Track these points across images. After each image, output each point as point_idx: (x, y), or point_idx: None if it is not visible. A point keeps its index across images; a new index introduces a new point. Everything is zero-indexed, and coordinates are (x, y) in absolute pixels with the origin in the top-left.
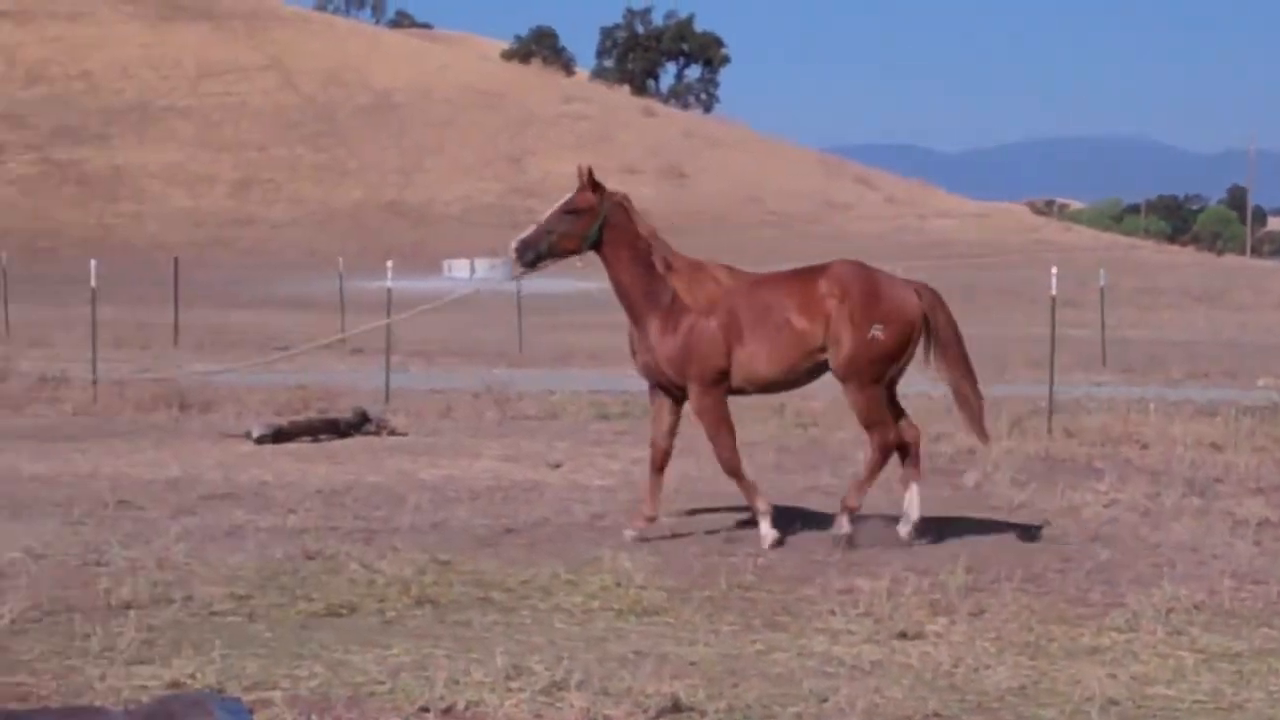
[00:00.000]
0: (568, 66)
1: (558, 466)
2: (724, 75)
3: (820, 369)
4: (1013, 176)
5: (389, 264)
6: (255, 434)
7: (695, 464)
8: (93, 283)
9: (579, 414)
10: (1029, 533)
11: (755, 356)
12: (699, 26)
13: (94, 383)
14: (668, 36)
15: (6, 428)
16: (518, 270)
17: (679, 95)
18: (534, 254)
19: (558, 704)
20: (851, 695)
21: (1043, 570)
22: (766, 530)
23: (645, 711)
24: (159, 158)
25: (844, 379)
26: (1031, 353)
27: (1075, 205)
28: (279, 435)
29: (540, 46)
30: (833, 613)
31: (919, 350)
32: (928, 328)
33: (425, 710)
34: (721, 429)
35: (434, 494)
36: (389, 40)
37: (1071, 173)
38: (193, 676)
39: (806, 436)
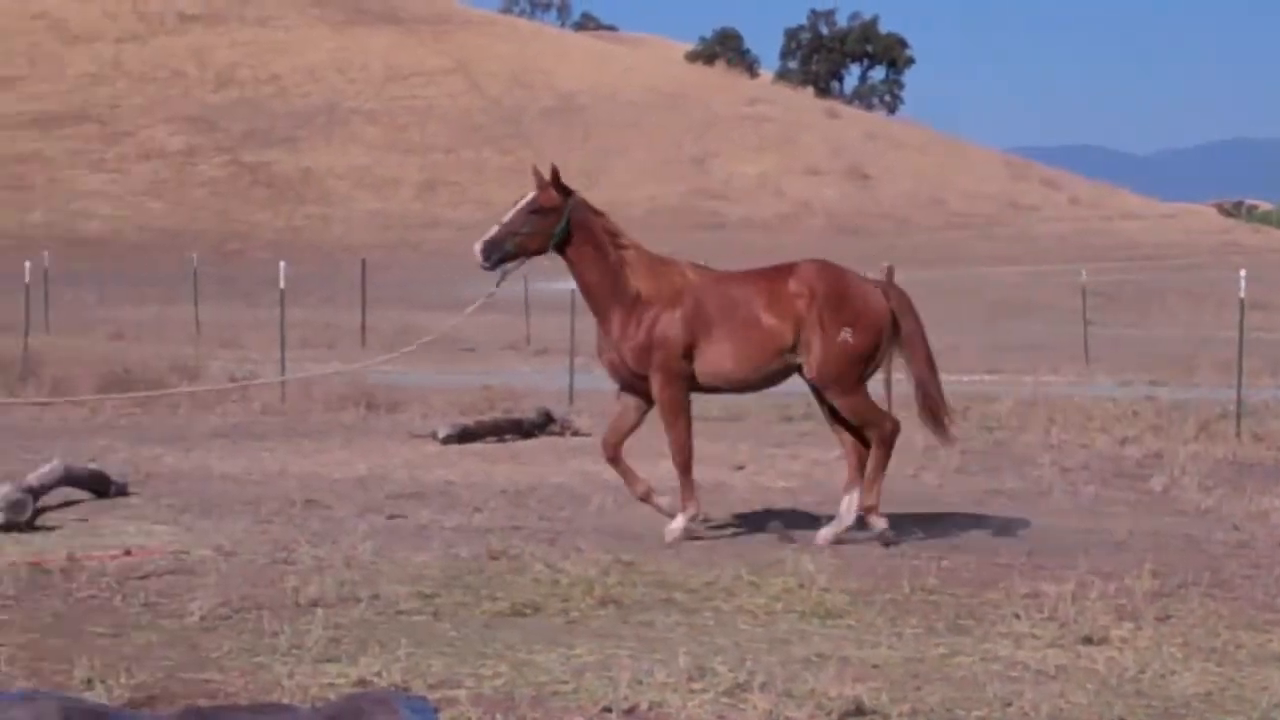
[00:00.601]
0: (752, 68)
1: (741, 468)
2: (907, 76)
3: (789, 371)
4: (1201, 178)
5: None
6: (441, 434)
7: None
8: (281, 284)
9: (762, 416)
10: (1216, 538)
11: (722, 353)
12: (883, 28)
13: (283, 383)
14: (852, 38)
15: (198, 427)
16: (482, 269)
17: (863, 97)
18: (499, 254)
19: (740, 705)
20: (1035, 700)
21: (1230, 576)
22: (678, 524)
23: (828, 714)
24: (346, 160)
25: (823, 386)
26: (1219, 356)
27: (1265, 207)
28: (464, 435)
29: (724, 48)
30: (1017, 617)
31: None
32: (895, 328)
33: (608, 710)
34: (679, 422)
35: (617, 495)
36: (574, 43)
37: (1263, 174)
38: (379, 674)
39: (991, 439)
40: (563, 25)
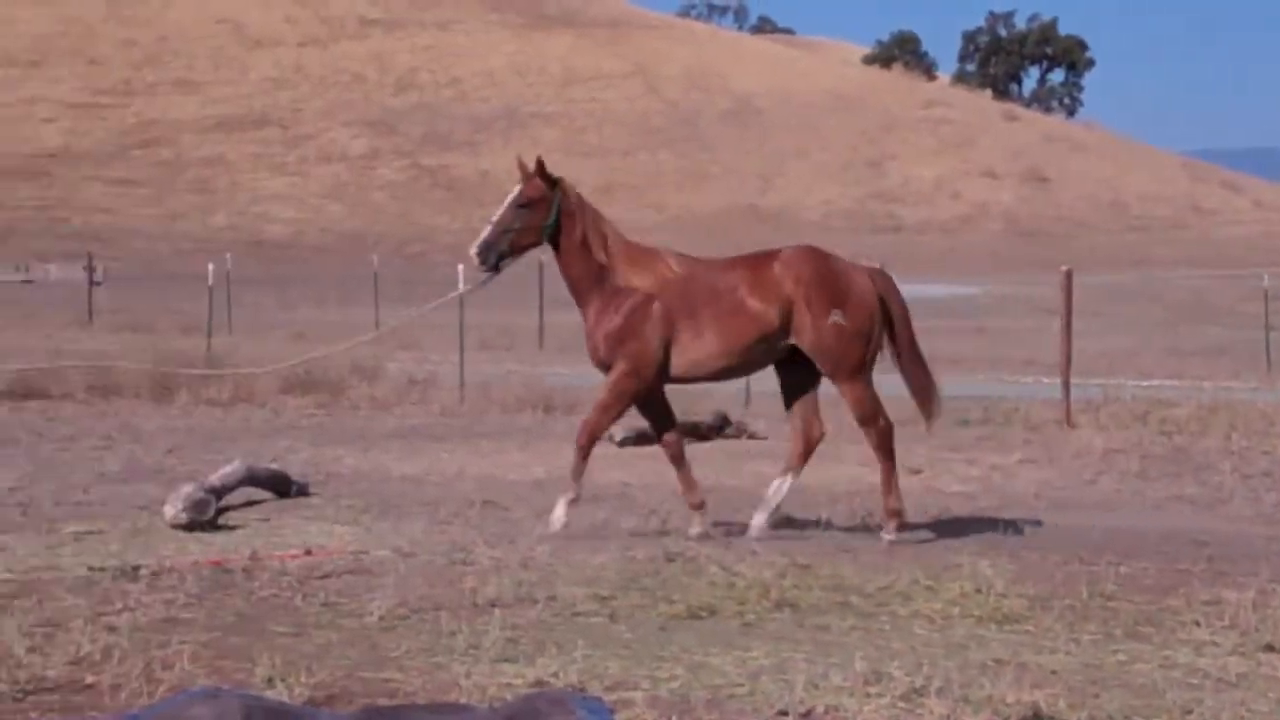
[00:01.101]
0: (929, 71)
1: (917, 472)
2: (1087, 78)
3: (770, 357)
4: None
5: None
6: (618, 437)
7: (1055, 473)
8: (460, 286)
9: (938, 419)
10: None
11: (705, 341)
12: (1062, 29)
13: (461, 384)
14: (1030, 40)
15: (377, 428)
16: (483, 274)
17: (1041, 99)
18: (496, 255)
19: (917, 710)
20: (1216, 708)
21: None
22: (560, 514)
23: None
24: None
25: (829, 374)
26: None
27: None
28: (641, 438)
29: (902, 51)
30: (1197, 624)
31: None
32: (885, 312)
33: (784, 714)
34: (613, 410)
35: (793, 498)
36: (750, 46)
37: None
38: (555, 675)
39: (1171, 444)
40: (740, 28)
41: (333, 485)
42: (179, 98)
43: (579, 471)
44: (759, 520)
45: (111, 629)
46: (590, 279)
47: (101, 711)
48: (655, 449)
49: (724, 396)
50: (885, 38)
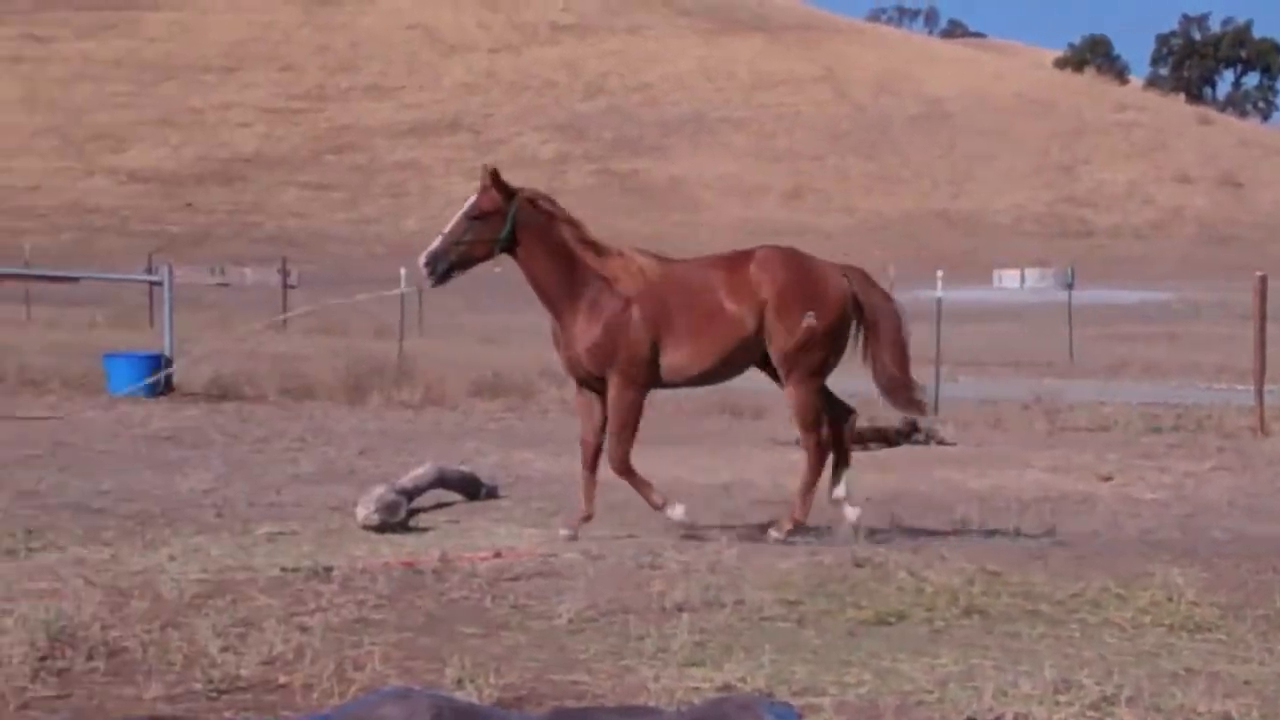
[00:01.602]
0: (1121, 74)
1: (1108, 479)
2: None
3: (751, 360)
4: None
5: (939, 273)
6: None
7: (1248, 480)
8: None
9: (1130, 426)
10: None
11: (686, 346)
12: (1257, 32)
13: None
14: (1225, 43)
15: (566, 431)
16: (429, 284)
17: (1235, 103)
18: (445, 265)
19: (1107, 719)
20: None
21: None
22: (677, 513)
23: None
24: (714, 168)
25: (784, 373)
26: None
27: None
28: None
29: (1094, 55)
30: None
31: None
32: (859, 311)
33: None
34: (628, 428)
35: (982, 504)
36: (941, 50)
37: None
38: (743, 680)
39: None
40: (930, 32)
41: (522, 487)
42: (372, 103)
43: (650, 497)
44: (852, 516)
45: (304, 629)
46: (560, 285)
47: (294, 711)
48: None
49: None
50: (1077, 41)
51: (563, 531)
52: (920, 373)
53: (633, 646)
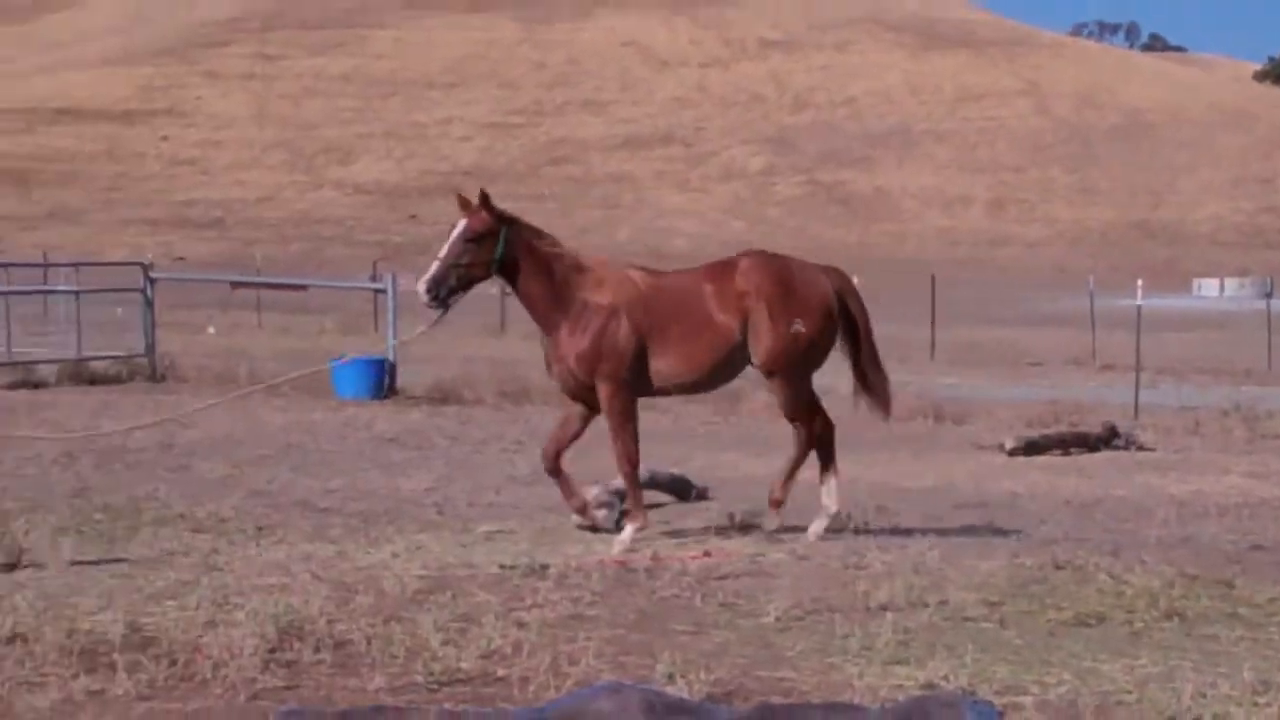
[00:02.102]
0: None
1: None
2: None
3: (741, 366)
4: None
5: (1139, 283)
6: (1008, 446)
7: None
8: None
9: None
10: None
11: (675, 355)
12: None
13: (855, 394)
14: None
15: (771, 435)
16: (432, 309)
17: None
18: (445, 289)
19: None
20: None
21: None
22: (625, 537)
23: None
24: (917, 179)
25: (769, 374)
26: None
27: None
28: (1031, 448)
29: None
30: None
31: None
32: (845, 311)
33: None
34: (626, 428)
35: (1181, 509)
36: (1141, 63)
37: None
38: (945, 678)
39: None
40: (1131, 46)
41: (729, 489)
42: (587, 117)
43: (636, 500)
44: (817, 528)
45: (521, 624)
46: (551, 301)
47: (511, 703)
48: (1045, 459)
49: (1113, 409)
50: (1277, 54)
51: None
52: (1121, 379)
53: (837, 644)
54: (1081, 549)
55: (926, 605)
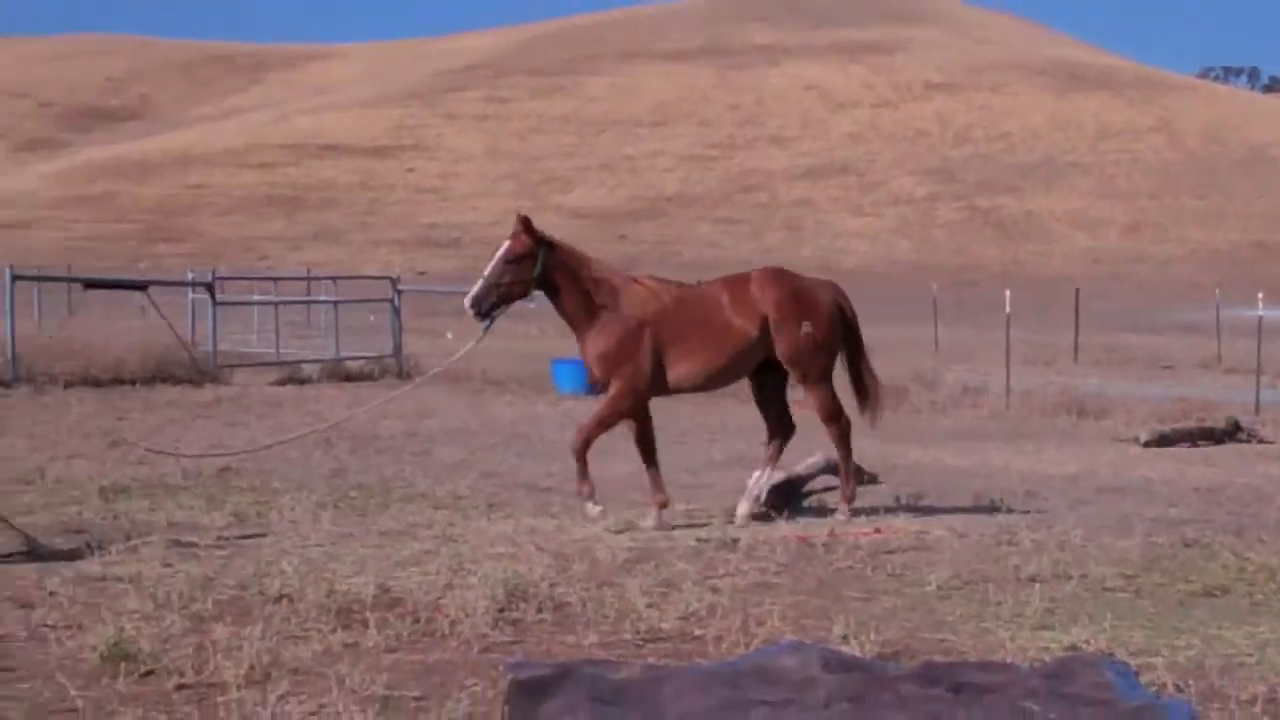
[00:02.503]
0: None
1: None
2: None
3: (750, 367)
4: None
5: (1260, 295)
6: (1142, 439)
7: None
8: (1007, 309)
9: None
10: None
11: (693, 357)
12: None
13: (1008, 392)
14: None
15: (935, 428)
16: (478, 322)
17: None
18: (488, 306)
19: None
20: None
21: None
22: (591, 510)
23: None
24: (1063, 205)
25: (799, 379)
26: None
27: None
28: (1163, 440)
29: None
30: None
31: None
32: (844, 320)
33: None
34: (609, 422)
35: None
36: (1264, 103)
37: None
38: (1086, 642)
39: None
40: (1253, 87)
41: (897, 475)
42: (774, 151)
43: (582, 474)
44: (743, 510)
45: (715, 590)
46: (584, 313)
47: (705, 659)
48: (1175, 450)
49: (1236, 406)
50: None
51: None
52: (1244, 381)
53: (991, 611)
54: (1208, 529)
55: (1070, 578)
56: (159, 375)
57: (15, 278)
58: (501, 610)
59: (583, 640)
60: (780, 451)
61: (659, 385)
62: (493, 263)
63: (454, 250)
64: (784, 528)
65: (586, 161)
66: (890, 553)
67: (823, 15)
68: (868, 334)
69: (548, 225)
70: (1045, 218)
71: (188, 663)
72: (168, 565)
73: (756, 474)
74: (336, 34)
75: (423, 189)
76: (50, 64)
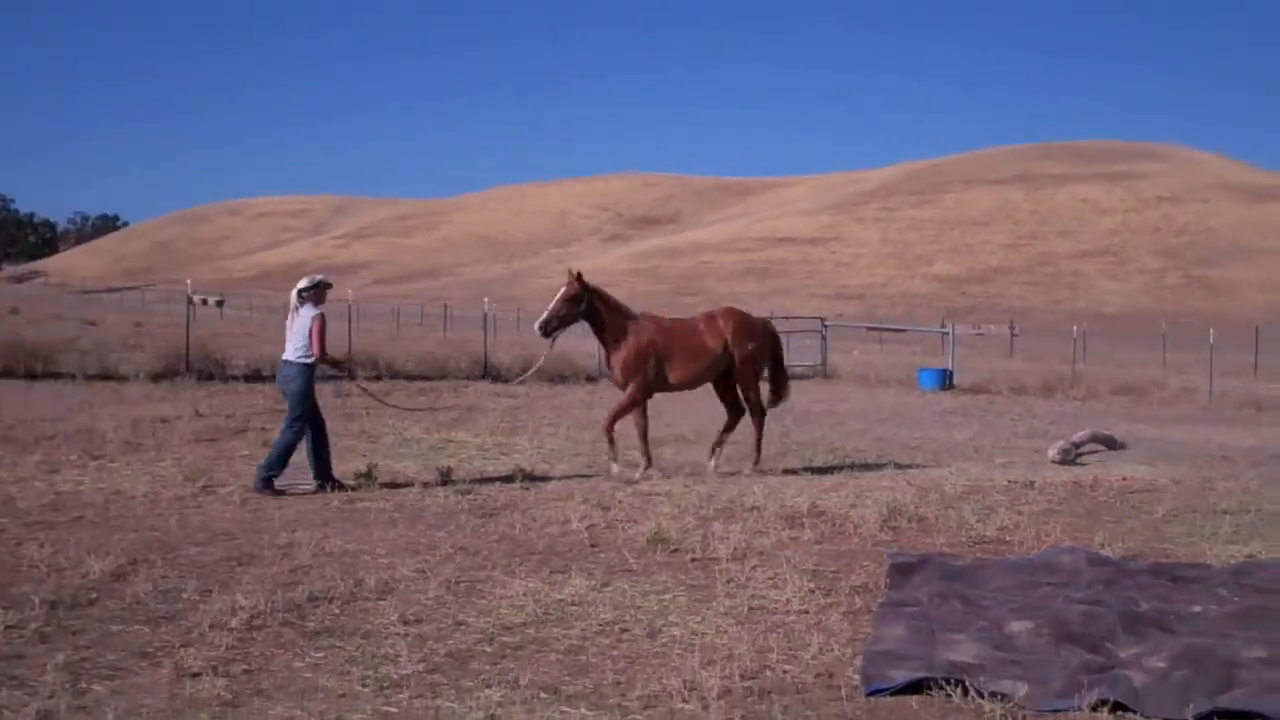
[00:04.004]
0: None
1: None
2: None
3: (715, 373)
4: None
5: None
6: None
7: None
8: (1210, 341)
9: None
10: None
11: (683, 366)
12: None
13: (1210, 393)
14: None
15: (1162, 414)
16: (544, 340)
17: None
18: (550, 329)
19: None
20: None
21: None
22: (614, 469)
23: None
24: (1250, 275)
25: (742, 380)
26: None
27: None
28: None
29: None
30: None
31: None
32: (773, 342)
33: None
34: (626, 410)
35: None
36: None
37: None
38: (1259, 552)
39: None
40: None
41: (1138, 445)
42: (1060, 240)
43: (610, 441)
44: (711, 466)
45: (1019, 513)
46: (612, 337)
47: (1012, 554)
48: None
49: None
50: None
51: (614, 470)
52: None
53: (1198, 531)
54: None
55: (1249, 511)
56: None
57: None
58: (885, 520)
59: (935, 541)
60: (733, 428)
61: (661, 385)
62: (555, 300)
63: (859, 302)
64: (1064, 474)
65: (941, 247)
66: (1131, 493)
67: (1093, 155)
68: (1127, 359)
69: (915, 288)
70: (1239, 283)
71: (698, 545)
72: (686, 486)
73: (714, 454)
74: (792, 170)
75: (839, 263)
76: (624, 191)
